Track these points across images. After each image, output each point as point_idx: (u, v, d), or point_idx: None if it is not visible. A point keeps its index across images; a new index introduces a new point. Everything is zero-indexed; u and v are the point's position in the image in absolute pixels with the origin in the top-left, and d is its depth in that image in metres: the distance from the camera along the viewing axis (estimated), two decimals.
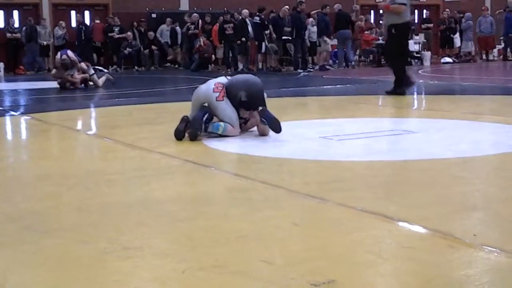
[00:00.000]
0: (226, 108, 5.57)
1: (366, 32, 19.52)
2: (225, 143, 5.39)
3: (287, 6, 17.97)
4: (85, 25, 19.82)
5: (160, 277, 2.39)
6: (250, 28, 17.98)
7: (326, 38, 18.20)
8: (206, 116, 5.49)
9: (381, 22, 17.36)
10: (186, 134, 5.50)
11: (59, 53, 12.58)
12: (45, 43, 19.41)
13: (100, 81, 12.53)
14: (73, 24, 20.86)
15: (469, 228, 2.91)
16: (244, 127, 5.76)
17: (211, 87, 5.62)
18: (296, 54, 17.35)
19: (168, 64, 20.34)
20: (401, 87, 9.53)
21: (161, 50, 20.28)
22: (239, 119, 5.66)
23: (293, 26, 17.03)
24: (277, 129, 5.46)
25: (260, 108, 5.53)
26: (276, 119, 5.48)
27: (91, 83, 12.51)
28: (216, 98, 5.54)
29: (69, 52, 12.54)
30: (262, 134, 5.66)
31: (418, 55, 19.14)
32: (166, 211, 3.33)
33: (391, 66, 10.06)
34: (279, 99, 9.12)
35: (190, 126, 5.47)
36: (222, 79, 5.77)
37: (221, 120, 5.59)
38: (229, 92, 5.60)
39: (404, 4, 9.42)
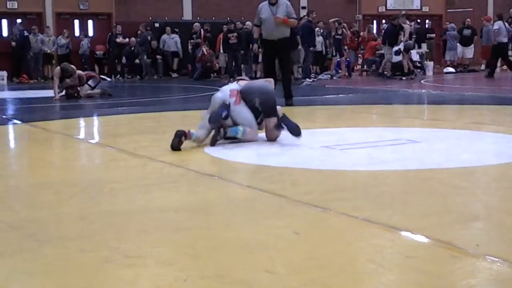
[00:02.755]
0: (244, 112, 5.74)
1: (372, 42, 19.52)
2: (228, 151, 5.40)
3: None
4: (23, 34, 19.10)
5: (162, 286, 2.39)
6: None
7: (389, 47, 17.29)
8: (225, 113, 5.59)
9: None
10: (187, 143, 5.51)
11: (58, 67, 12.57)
12: (48, 50, 19.47)
13: (86, 93, 12.36)
14: (77, 33, 20.93)
15: (472, 238, 2.91)
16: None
17: (227, 93, 5.79)
18: (306, 63, 17.34)
19: (175, 74, 20.24)
20: (291, 97, 9.83)
21: (164, 60, 20.28)
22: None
23: (303, 35, 16.94)
24: (298, 133, 5.66)
25: (281, 115, 5.75)
26: (296, 125, 5.70)
27: (91, 92, 12.43)
28: (234, 103, 5.69)
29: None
30: (270, 139, 5.82)
31: (420, 65, 19.12)
32: (169, 219, 3.33)
33: (285, 78, 10.01)
34: (281, 108, 9.09)
35: (210, 122, 5.59)
36: (235, 86, 5.92)
37: (239, 124, 5.69)
38: (245, 97, 5.78)
39: (296, 18, 10.13)
